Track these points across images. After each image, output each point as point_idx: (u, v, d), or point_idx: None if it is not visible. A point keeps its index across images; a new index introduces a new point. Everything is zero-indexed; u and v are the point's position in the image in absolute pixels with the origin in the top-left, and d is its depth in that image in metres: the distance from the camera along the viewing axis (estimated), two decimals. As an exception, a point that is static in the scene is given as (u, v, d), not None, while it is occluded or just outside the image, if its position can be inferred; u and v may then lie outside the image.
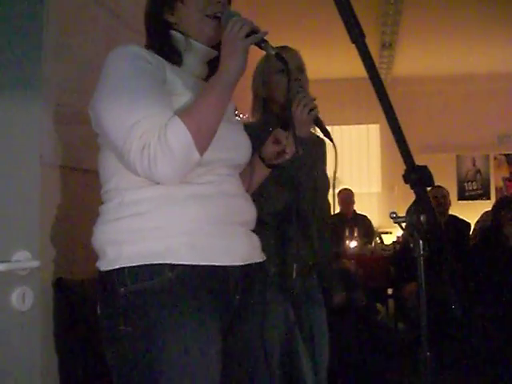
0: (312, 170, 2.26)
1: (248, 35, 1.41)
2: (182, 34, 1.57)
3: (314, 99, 1.97)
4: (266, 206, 2.04)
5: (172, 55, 1.55)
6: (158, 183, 1.39)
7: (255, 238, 1.59)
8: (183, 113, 1.37)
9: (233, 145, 1.56)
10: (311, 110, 1.92)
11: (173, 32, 1.57)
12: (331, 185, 2.04)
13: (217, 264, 1.43)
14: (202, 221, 1.42)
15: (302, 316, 2.23)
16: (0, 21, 1.53)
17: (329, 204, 2.41)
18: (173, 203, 1.41)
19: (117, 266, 1.39)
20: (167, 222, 1.40)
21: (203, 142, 1.37)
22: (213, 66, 1.62)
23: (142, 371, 1.35)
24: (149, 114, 1.34)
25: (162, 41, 1.56)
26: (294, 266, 2.16)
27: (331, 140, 1.99)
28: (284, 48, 2.16)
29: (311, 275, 2.30)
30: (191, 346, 1.36)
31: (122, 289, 1.37)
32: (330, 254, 2.45)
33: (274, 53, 1.49)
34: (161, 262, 1.37)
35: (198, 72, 1.61)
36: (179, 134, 1.33)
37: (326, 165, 2.41)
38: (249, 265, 1.52)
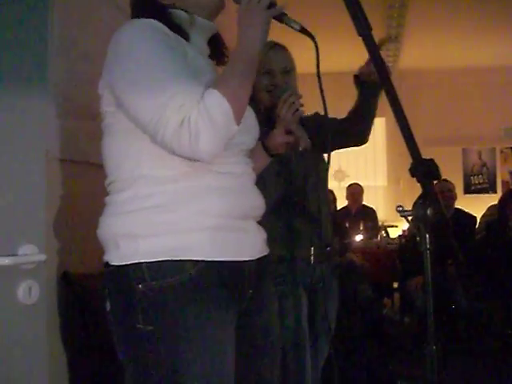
0: (304, 156, 2.20)
1: (269, 7, 1.37)
2: (183, 10, 1.49)
3: (301, 97, 1.91)
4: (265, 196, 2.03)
5: (178, 33, 1.45)
6: (198, 159, 1.31)
7: (263, 230, 1.55)
8: (217, 84, 1.31)
9: (247, 127, 1.50)
10: (296, 110, 1.86)
11: (172, 10, 1.49)
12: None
13: (236, 259, 1.40)
14: (223, 215, 1.37)
15: (316, 308, 2.19)
16: (5, 16, 1.53)
17: (327, 192, 2.39)
18: (194, 196, 1.35)
19: (133, 261, 1.32)
20: (188, 217, 1.34)
21: (239, 112, 1.32)
22: (214, 44, 1.58)
23: (164, 368, 1.32)
24: (183, 87, 1.28)
25: (161, 20, 1.42)
26: (312, 249, 2.14)
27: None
28: (269, 44, 2.11)
29: (330, 260, 2.26)
30: (213, 345, 1.33)
31: (140, 285, 1.31)
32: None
33: (298, 27, 1.43)
34: (183, 257, 1.32)
35: (204, 50, 1.55)
36: (220, 105, 1.28)
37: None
38: (259, 258, 1.49)
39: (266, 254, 1.54)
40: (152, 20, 1.38)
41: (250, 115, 1.57)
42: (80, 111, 2.05)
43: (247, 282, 1.45)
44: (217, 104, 1.27)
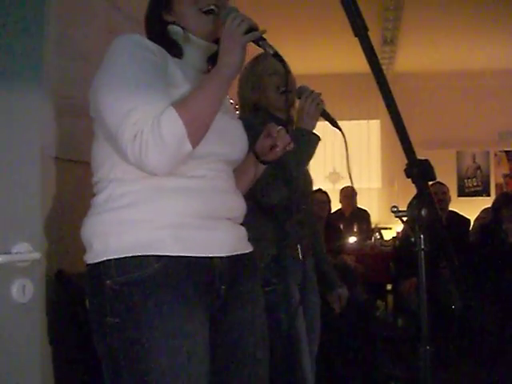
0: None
1: (247, 32, 1.42)
2: (181, 27, 1.58)
3: (320, 94, 2.11)
4: (263, 199, 2.08)
5: (171, 47, 1.56)
6: (149, 173, 1.39)
7: (242, 230, 1.61)
8: (178, 103, 1.37)
9: (229, 140, 1.57)
10: (318, 104, 2.08)
11: (170, 26, 1.59)
12: (349, 175, 2.12)
13: (201, 255, 1.45)
14: (188, 214, 1.44)
15: (306, 302, 2.27)
16: (1, 12, 1.52)
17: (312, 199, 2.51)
18: (160, 196, 1.42)
19: (104, 259, 1.40)
20: (153, 215, 1.41)
21: (196, 133, 1.37)
22: (214, 61, 1.62)
23: (130, 361, 1.37)
24: (145, 102, 1.34)
25: (160, 35, 1.57)
26: (298, 246, 2.22)
27: (340, 129, 2.13)
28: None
29: (310, 257, 2.36)
30: (178, 335, 1.38)
31: (109, 281, 1.39)
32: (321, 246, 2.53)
33: (272, 52, 1.49)
34: (146, 253, 1.39)
35: (199, 66, 1.63)
36: (172, 124, 1.33)
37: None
38: (235, 256, 1.54)
39: (244, 252, 1.59)
40: (137, 35, 1.49)
41: (236, 128, 1.65)
42: (76, 110, 2.04)
43: (218, 279, 1.49)
44: (169, 124, 1.33)
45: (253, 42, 1.45)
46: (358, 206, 6.86)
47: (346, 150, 2.09)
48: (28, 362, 1.59)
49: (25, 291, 1.52)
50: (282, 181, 2.14)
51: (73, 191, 2.05)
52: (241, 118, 1.84)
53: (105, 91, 1.40)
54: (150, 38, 1.55)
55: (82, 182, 1.99)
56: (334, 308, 2.54)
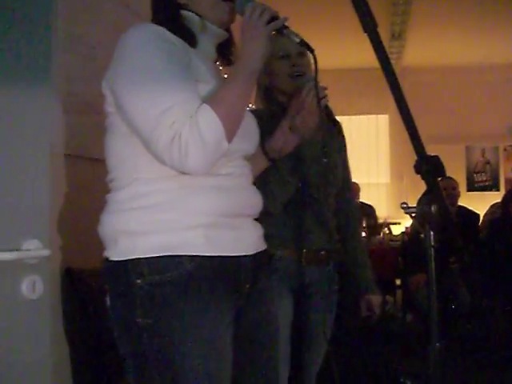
0: (322, 157, 2.18)
1: (269, 21, 1.38)
2: (196, 14, 1.51)
3: (326, 88, 1.91)
4: (275, 196, 2.02)
5: (186, 37, 1.48)
6: (188, 173, 1.35)
7: (259, 227, 1.59)
8: (211, 101, 1.33)
9: (247, 134, 1.53)
10: (321, 98, 1.91)
11: (185, 12, 1.51)
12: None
13: (231, 254, 1.43)
14: (217, 213, 1.41)
15: (304, 312, 2.12)
16: (10, 11, 1.53)
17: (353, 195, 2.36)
18: (189, 195, 1.39)
19: (132, 257, 1.36)
20: (183, 214, 1.38)
21: (232, 129, 1.35)
22: (220, 49, 1.60)
23: (161, 363, 1.35)
24: (178, 100, 1.30)
25: (173, 21, 1.47)
26: (303, 251, 2.10)
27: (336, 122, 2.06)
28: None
29: (326, 265, 2.17)
30: (211, 337, 1.36)
31: (139, 280, 1.34)
32: (357, 246, 2.34)
33: (298, 40, 1.44)
34: (179, 253, 1.36)
35: (211, 55, 1.57)
36: (212, 124, 1.30)
37: (346, 155, 2.36)
38: (257, 254, 1.52)
39: (262, 249, 1.57)
40: (159, 27, 1.41)
41: (251, 122, 1.61)
42: (84, 107, 2.05)
43: (244, 277, 1.48)
44: (208, 123, 1.30)
45: (276, 31, 1.41)
46: (363, 201, 6.83)
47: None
48: (38, 358, 1.59)
49: (34, 288, 1.52)
50: (298, 175, 2.06)
51: (82, 188, 2.05)
52: (251, 110, 1.80)
53: (130, 90, 1.34)
54: (161, 25, 1.45)
55: (91, 179, 2.00)
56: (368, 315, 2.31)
